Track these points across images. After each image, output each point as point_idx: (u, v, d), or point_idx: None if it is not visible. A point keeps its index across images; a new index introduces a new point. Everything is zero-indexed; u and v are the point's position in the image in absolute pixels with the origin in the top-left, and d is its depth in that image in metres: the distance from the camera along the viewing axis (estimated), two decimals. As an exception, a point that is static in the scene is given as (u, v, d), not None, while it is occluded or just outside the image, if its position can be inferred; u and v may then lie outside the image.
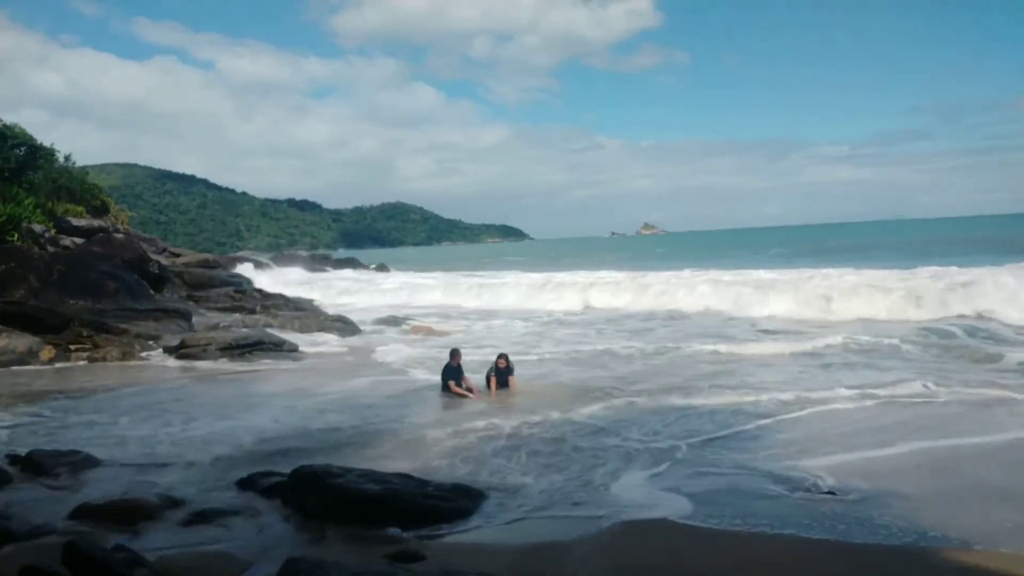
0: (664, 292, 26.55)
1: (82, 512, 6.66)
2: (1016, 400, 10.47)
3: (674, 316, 23.48)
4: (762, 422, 9.75)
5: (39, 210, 24.17)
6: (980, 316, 18.97)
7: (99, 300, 19.08)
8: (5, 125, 26.88)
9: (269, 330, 18.88)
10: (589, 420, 10.15)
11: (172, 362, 16.28)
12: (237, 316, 21.93)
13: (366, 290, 36.64)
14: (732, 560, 5.59)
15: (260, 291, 26.81)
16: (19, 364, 15.53)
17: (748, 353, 15.29)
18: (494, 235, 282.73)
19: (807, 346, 15.71)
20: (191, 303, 23.01)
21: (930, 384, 11.36)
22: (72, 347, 16.75)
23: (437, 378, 12.50)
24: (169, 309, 20.28)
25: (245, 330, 18.74)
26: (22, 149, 27.08)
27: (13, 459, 8.31)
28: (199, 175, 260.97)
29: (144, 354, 17.01)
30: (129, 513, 6.63)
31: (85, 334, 17.15)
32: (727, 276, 29.14)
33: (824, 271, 28.71)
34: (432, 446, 9.04)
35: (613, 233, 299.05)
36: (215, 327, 19.46)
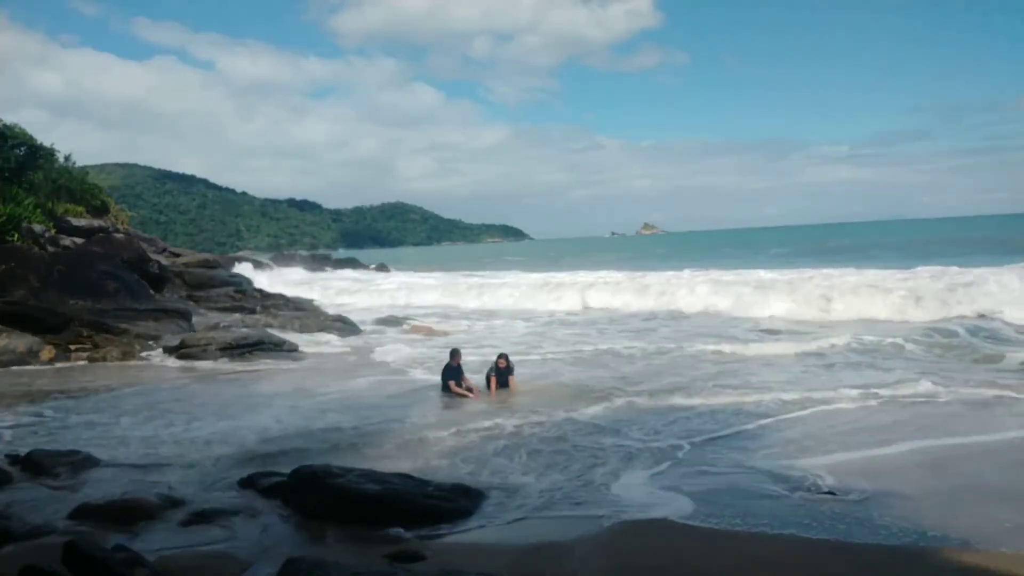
0: (664, 292, 26.55)
1: (82, 512, 6.66)
2: (1018, 400, 10.48)
3: (675, 316, 23.48)
4: (763, 421, 9.76)
5: (39, 210, 24.16)
6: (984, 316, 18.95)
7: (99, 300, 19.07)
8: (5, 125, 26.86)
9: (269, 330, 18.88)
10: (590, 420, 10.16)
11: (172, 362, 16.28)
12: (237, 316, 21.93)
13: (366, 290, 36.63)
14: (732, 560, 5.59)
15: (260, 291, 26.81)
16: (19, 364, 15.53)
17: (750, 353, 15.29)
18: (494, 235, 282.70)
19: (809, 346, 15.71)
20: (191, 303, 23.00)
21: (933, 384, 11.35)
22: (72, 347, 16.76)
23: (437, 378, 12.50)
24: (169, 309, 20.28)
25: (245, 330, 18.74)
26: (22, 149, 27.06)
27: (13, 459, 8.32)
28: (199, 175, 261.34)
29: (144, 354, 17.01)
30: (129, 513, 6.63)
31: (85, 334, 17.15)
32: (728, 276, 29.15)
33: (824, 271, 28.74)
34: (433, 446, 9.04)
35: (613, 233, 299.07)
36: (215, 327, 19.46)
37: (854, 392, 11.09)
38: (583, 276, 34.40)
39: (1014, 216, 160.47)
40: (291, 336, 18.59)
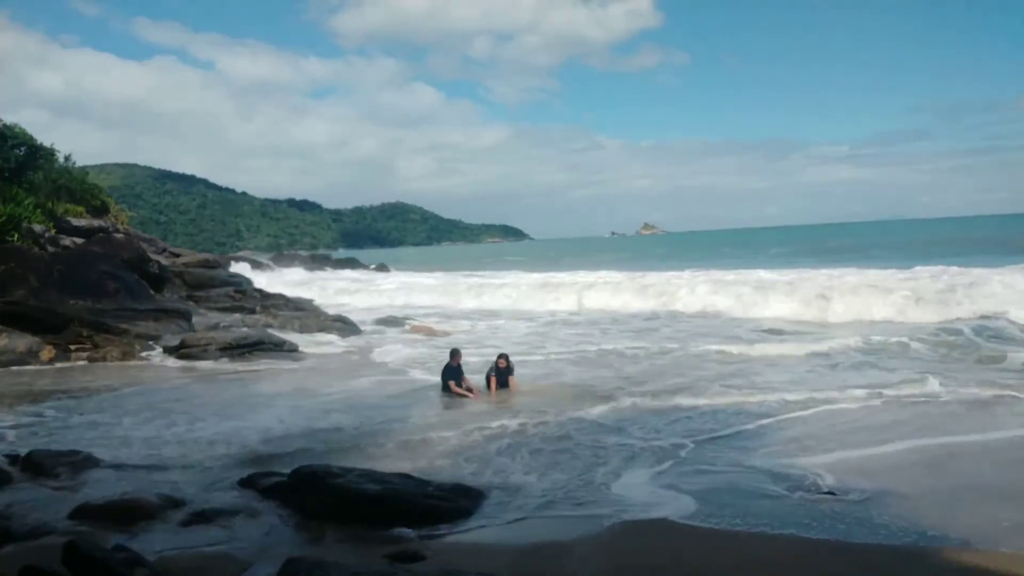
0: (665, 292, 26.53)
1: (82, 512, 6.66)
2: (1018, 399, 10.48)
3: (676, 316, 23.48)
4: (767, 421, 9.78)
5: (39, 210, 24.13)
6: (988, 316, 18.89)
7: (99, 300, 19.06)
8: (5, 125, 26.84)
9: (269, 330, 18.88)
10: (593, 419, 10.16)
11: (172, 362, 16.28)
12: (237, 316, 21.92)
13: (366, 290, 36.61)
14: (732, 560, 5.59)
15: (260, 291, 26.78)
16: (19, 364, 15.53)
17: (754, 354, 15.27)
18: (494, 235, 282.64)
19: (812, 347, 15.70)
20: (191, 303, 22.99)
21: (940, 384, 11.33)
22: (72, 347, 16.75)
23: (437, 378, 12.50)
24: (169, 309, 20.27)
25: (245, 330, 18.75)
26: (22, 149, 27.03)
27: (13, 459, 8.32)
28: (199, 175, 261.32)
29: (144, 354, 17.02)
30: (129, 513, 6.63)
31: (85, 334, 17.15)
32: (728, 276, 29.15)
33: (825, 271, 28.72)
34: (435, 446, 9.04)
35: (613, 233, 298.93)
36: (215, 327, 19.46)
37: (859, 392, 11.10)
38: (583, 276, 34.41)
39: (1014, 216, 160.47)
40: (291, 336, 18.59)
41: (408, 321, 23.44)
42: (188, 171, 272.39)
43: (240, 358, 16.26)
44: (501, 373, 12.24)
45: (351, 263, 61.97)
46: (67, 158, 31.14)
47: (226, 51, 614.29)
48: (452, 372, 12.15)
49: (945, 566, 5.36)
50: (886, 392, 11.07)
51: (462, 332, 21.08)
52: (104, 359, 16.36)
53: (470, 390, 11.92)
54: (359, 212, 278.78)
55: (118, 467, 8.24)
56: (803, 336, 17.97)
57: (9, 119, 27.94)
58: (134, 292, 20.23)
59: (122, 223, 32.65)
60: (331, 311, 24.38)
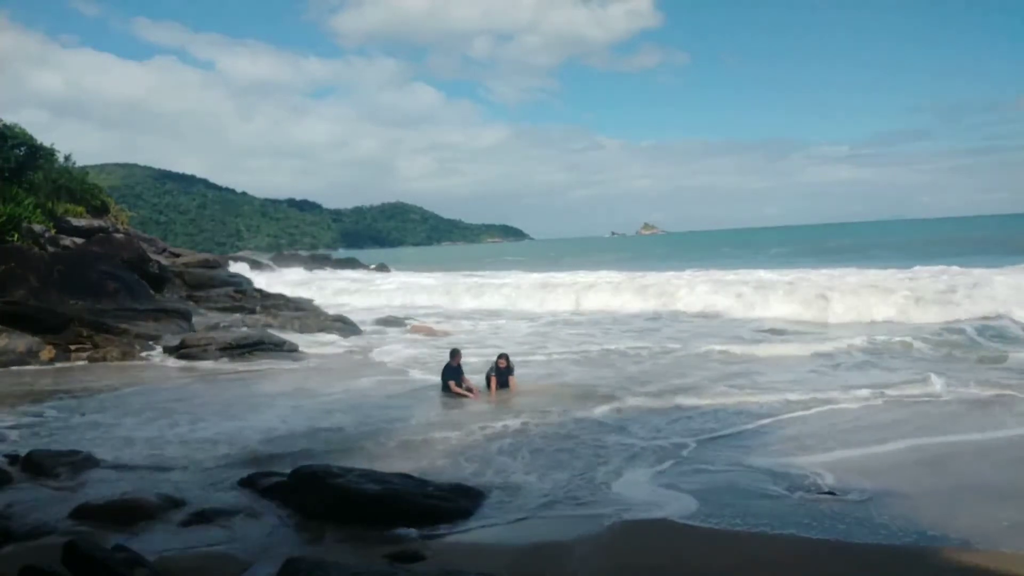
0: (666, 292, 26.53)
1: (82, 512, 6.66)
2: (1016, 398, 10.49)
3: (677, 316, 23.49)
4: (767, 421, 9.78)
5: (39, 210, 24.14)
6: (992, 316, 18.84)
7: (99, 300, 19.07)
8: (5, 125, 26.84)
9: (269, 330, 18.89)
10: (594, 419, 10.17)
11: (172, 362, 16.28)
12: (237, 316, 21.92)
13: (366, 290, 36.61)
14: (732, 560, 5.59)
15: (260, 291, 26.78)
16: (19, 364, 15.53)
17: (760, 354, 15.26)
18: (494, 235, 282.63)
19: (815, 347, 15.71)
20: (191, 303, 22.99)
21: (944, 384, 11.33)
22: (72, 347, 16.75)
23: (437, 378, 12.51)
24: (169, 309, 20.28)
25: (245, 330, 18.75)
26: (22, 149, 27.03)
27: (13, 459, 8.32)
28: (199, 175, 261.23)
29: (144, 354, 17.02)
30: (129, 513, 6.63)
31: (85, 334, 17.15)
32: (728, 276, 29.15)
33: (826, 271, 28.73)
34: (436, 445, 9.05)
35: (613, 233, 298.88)
36: (215, 327, 19.47)
37: (861, 392, 11.11)
38: (583, 276, 34.39)
39: (1014, 216, 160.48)
40: (291, 336, 18.59)
41: (408, 321, 23.44)
42: (188, 171, 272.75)
43: (240, 358, 16.26)
44: (501, 373, 12.24)
45: (351, 263, 61.94)
46: (67, 158, 31.17)
47: (226, 51, 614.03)
48: (452, 372, 12.15)
49: (945, 566, 5.36)
50: (888, 392, 11.08)
51: (463, 332, 21.08)
52: (104, 359, 16.36)
53: (470, 390, 11.93)
54: (359, 212, 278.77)
55: (118, 467, 8.25)
56: (805, 336, 17.98)
57: (9, 119, 27.97)
58: (134, 292, 20.24)
59: (122, 223, 32.65)
60: (331, 311, 24.39)
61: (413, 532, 6.23)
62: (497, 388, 12.14)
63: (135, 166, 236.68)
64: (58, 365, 15.90)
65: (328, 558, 5.01)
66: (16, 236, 21.40)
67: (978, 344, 15.53)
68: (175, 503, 6.93)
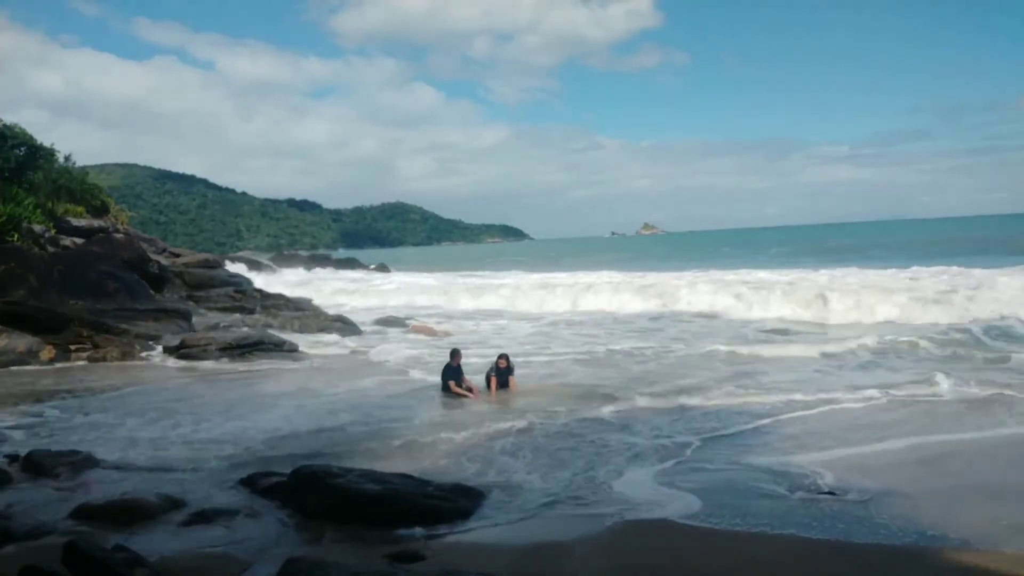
0: (666, 293, 26.57)
1: (82, 512, 6.66)
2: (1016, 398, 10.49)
3: (678, 316, 23.49)
4: (769, 420, 9.79)
5: (39, 210, 24.12)
6: (996, 316, 18.79)
7: (99, 300, 19.06)
8: (5, 125, 26.84)
9: (269, 330, 18.88)
10: (596, 418, 10.17)
11: (172, 362, 16.28)
12: (237, 316, 21.91)
13: (366, 290, 36.61)
14: (732, 560, 5.59)
15: (260, 291, 26.77)
16: (19, 364, 15.53)
17: (763, 354, 15.25)
18: (494, 235, 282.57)
19: (819, 347, 15.71)
20: (191, 303, 22.98)
21: (950, 384, 11.33)
22: (72, 347, 16.75)
23: (437, 378, 12.51)
24: (169, 309, 20.27)
25: (245, 330, 18.74)
26: (22, 149, 27.02)
27: (13, 459, 8.32)
28: (199, 175, 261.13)
29: (144, 354, 17.02)
30: (129, 513, 6.63)
31: (85, 334, 17.15)
32: (729, 276, 29.17)
33: (826, 271, 28.75)
34: (437, 445, 9.05)
35: (613, 233, 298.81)
36: (215, 327, 19.46)
37: (866, 392, 11.11)
38: (584, 276, 34.42)
39: (1014, 216, 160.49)
40: (291, 336, 18.59)
41: (408, 321, 23.43)
42: (188, 171, 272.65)
43: (240, 358, 16.25)
44: (501, 373, 12.24)
45: (351, 263, 61.95)
46: (67, 158, 31.15)
47: (226, 51, 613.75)
48: (452, 372, 12.15)
49: (945, 566, 5.35)
50: (893, 392, 11.08)
51: (466, 333, 21.07)
52: (104, 359, 16.36)
53: (470, 390, 11.93)
54: (359, 212, 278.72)
55: (118, 467, 8.24)
56: (808, 336, 17.98)
57: (9, 119, 27.96)
58: (134, 292, 20.23)
59: (122, 223, 32.64)
60: (331, 311, 24.39)
61: (413, 532, 6.23)
62: (497, 388, 12.14)
63: (135, 166, 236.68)
64: (58, 365, 15.90)
65: (328, 558, 5.01)
66: (16, 236, 21.39)
67: (985, 344, 15.52)
68: (175, 503, 6.93)
